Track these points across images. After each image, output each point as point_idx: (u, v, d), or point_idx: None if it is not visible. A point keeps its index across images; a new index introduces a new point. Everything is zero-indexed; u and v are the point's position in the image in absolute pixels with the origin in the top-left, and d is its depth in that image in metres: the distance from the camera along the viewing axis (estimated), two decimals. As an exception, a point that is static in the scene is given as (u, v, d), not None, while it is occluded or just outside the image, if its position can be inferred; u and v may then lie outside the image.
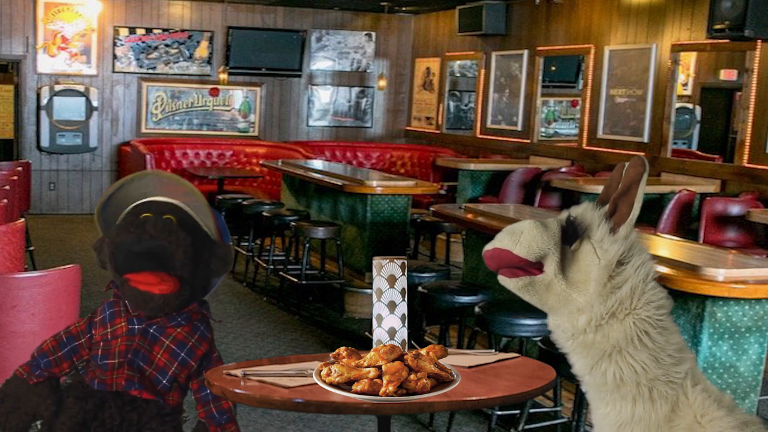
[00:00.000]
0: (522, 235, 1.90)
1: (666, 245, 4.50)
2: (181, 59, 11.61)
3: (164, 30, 11.50)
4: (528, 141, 9.91)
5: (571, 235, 1.92)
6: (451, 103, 11.79)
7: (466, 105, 11.81)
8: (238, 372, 2.48)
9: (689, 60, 10.86)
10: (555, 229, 1.93)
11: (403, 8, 11.87)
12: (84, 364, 2.73)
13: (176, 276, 2.60)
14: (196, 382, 2.72)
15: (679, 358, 1.91)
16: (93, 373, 2.67)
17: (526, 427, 4.20)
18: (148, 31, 11.43)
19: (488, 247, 1.95)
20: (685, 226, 6.91)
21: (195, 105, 11.78)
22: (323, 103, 12.34)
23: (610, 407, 1.91)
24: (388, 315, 2.54)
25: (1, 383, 2.82)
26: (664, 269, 3.84)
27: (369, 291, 6.36)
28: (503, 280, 1.96)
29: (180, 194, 2.74)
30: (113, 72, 11.37)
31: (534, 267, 1.90)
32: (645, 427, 1.88)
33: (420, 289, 4.80)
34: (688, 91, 11.14)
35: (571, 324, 1.91)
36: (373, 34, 12.39)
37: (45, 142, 11.03)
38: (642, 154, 8.17)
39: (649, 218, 6.72)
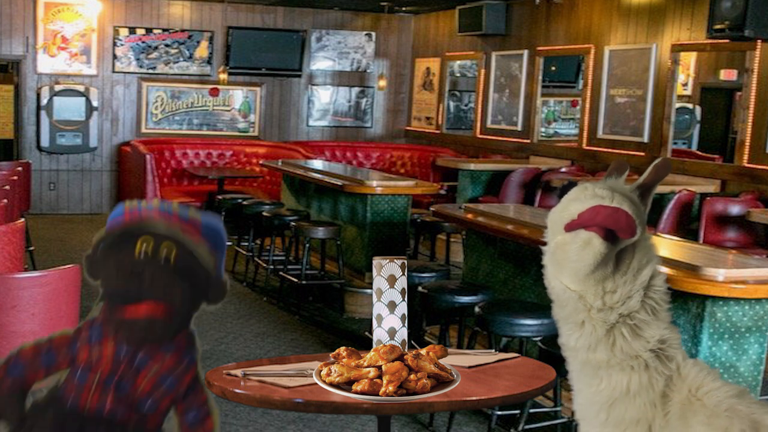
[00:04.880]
0: (632, 211, 1.87)
1: (666, 245, 4.50)
2: (181, 59, 11.61)
3: (164, 30, 11.50)
4: (528, 141, 9.91)
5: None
6: (451, 103, 11.79)
7: (466, 105, 11.81)
8: (238, 372, 2.48)
9: (689, 60, 10.86)
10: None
11: (403, 8, 11.87)
12: (64, 379, 2.66)
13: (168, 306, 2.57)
14: (182, 405, 2.65)
15: (674, 327, 1.91)
16: (71, 389, 2.60)
17: (526, 427, 4.20)
18: (148, 31, 11.43)
19: (605, 203, 1.83)
20: (685, 226, 6.90)
21: (195, 105, 11.78)
22: (323, 103, 12.35)
23: (605, 383, 1.89)
24: (388, 315, 2.55)
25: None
26: (664, 269, 3.84)
27: (369, 291, 6.34)
28: (585, 235, 1.83)
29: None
30: (113, 72, 11.37)
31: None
32: (641, 406, 1.86)
33: (420, 289, 4.80)
34: (688, 91, 11.14)
35: (602, 299, 1.88)
36: (373, 34, 12.39)
37: (45, 142, 11.03)
38: (642, 154, 8.18)
39: (650, 218, 6.69)
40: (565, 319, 1.94)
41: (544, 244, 1.94)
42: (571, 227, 1.83)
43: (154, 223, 2.65)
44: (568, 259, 1.86)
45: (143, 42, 11.42)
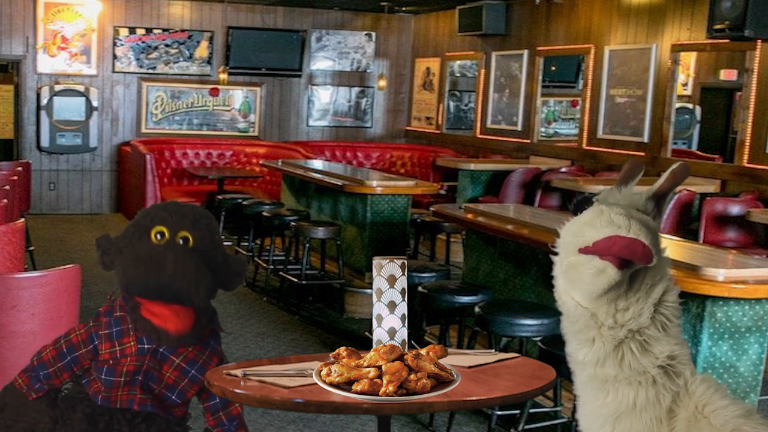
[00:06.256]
0: (648, 239, 1.81)
1: (666, 245, 4.50)
2: (181, 59, 11.61)
3: (164, 30, 11.50)
4: (528, 141, 9.91)
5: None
6: (451, 103, 11.79)
7: (466, 105, 11.81)
8: (238, 372, 2.47)
9: (689, 60, 10.86)
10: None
11: (403, 8, 11.87)
12: (85, 371, 2.67)
13: (192, 308, 2.54)
14: (206, 393, 2.67)
15: (684, 343, 1.89)
16: (96, 387, 2.60)
17: (526, 427, 4.20)
18: (148, 31, 11.43)
19: (621, 233, 1.78)
20: (685, 226, 6.90)
21: (195, 105, 11.78)
22: (323, 103, 12.34)
23: (611, 396, 1.87)
24: (388, 315, 2.54)
25: (1, 387, 2.79)
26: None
27: (369, 291, 6.36)
28: (599, 264, 1.80)
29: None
30: (113, 72, 11.37)
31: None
32: (647, 421, 1.85)
33: (420, 289, 4.80)
34: (688, 91, 11.14)
35: (613, 317, 1.85)
36: (373, 34, 12.39)
37: (45, 142, 11.03)
38: (642, 154, 8.17)
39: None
40: (574, 333, 1.92)
41: (549, 248, 1.92)
42: (586, 253, 1.79)
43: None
44: (581, 281, 1.83)
45: (143, 42, 11.42)
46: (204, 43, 11.66)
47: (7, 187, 6.14)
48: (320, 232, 6.94)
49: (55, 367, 2.62)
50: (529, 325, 4.17)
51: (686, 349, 1.89)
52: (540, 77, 9.80)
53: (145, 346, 2.59)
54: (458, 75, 11.90)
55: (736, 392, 4.03)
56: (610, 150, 8.67)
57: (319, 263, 7.59)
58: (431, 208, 6.25)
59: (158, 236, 2.54)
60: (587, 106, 9.01)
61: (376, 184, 7.05)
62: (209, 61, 11.71)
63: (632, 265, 1.79)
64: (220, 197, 8.84)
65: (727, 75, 10.86)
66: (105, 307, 2.66)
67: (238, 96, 11.94)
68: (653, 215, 1.91)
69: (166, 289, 2.47)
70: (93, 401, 2.60)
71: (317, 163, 8.96)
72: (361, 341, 6.10)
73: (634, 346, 1.84)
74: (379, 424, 2.71)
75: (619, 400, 1.86)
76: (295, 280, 7.00)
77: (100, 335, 2.60)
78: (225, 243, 8.98)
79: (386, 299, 2.54)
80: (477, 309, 4.34)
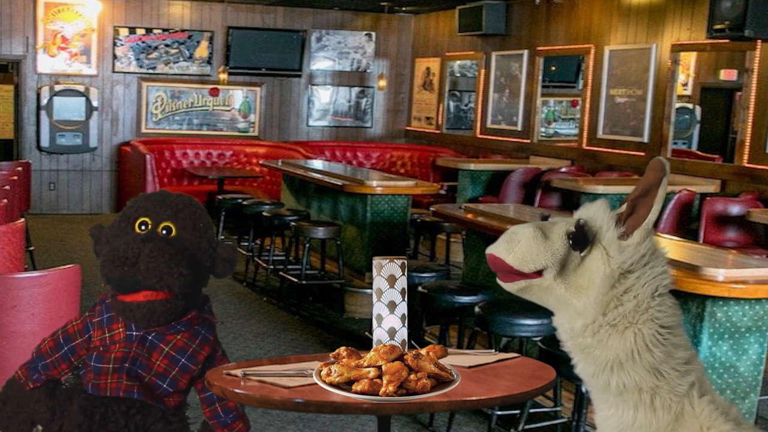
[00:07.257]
0: (518, 245, 1.85)
1: (666, 245, 4.50)
2: (181, 59, 11.61)
3: (164, 30, 11.50)
4: (528, 141, 9.91)
5: (582, 241, 1.86)
6: (451, 103, 11.79)
7: (466, 105, 11.81)
8: (238, 372, 2.48)
9: (689, 60, 10.86)
10: (558, 238, 1.85)
11: (403, 8, 11.87)
12: (83, 362, 2.70)
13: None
14: (200, 382, 2.68)
15: (683, 370, 1.85)
16: (89, 375, 2.64)
17: (526, 427, 4.20)
18: (148, 31, 11.43)
19: (488, 249, 1.92)
20: (685, 226, 6.90)
21: (195, 105, 11.78)
22: (323, 103, 12.34)
23: (613, 410, 1.89)
24: (388, 315, 2.54)
25: (2, 384, 2.81)
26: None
27: (369, 291, 6.36)
28: (499, 282, 1.95)
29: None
30: (113, 72, 11.37)
31: (531, 272, 1.88)
32: None
33: (420, 289, 4.80)
34: (688, 91, 11.14)
35: (570, 326, 1.90)
36: (373, 34, 12.39)
37: (45, 142, 11.03)
38: (642, 154, 8.17)
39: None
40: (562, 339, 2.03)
41: None
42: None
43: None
44: None
45: (143, 42, 11.42)
46: (204, 43, 11.66)
47: (7, 187, 6.14)
48: (320, 232, 6.94)
49: (53, 357, 2.68)
50: (529, 325, 4.17)
51: (687, 377, 1.87)
52: (540, 77, 9.80)
53: (134, 333, 2.62)
54: (458, 75, 11.90)
55: (736, 392, 4.03)
56: (610, 150, 8.67)
57: (319, 263, 7.59)
58: (431, 208, 6.25)
59: (142, 227, 2.61)
60: (587, 106, 9.01)
61: (376, 184, 7.05)
62: (209, 61, 11.70)
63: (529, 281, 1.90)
64: (220, 197, 8.84)
65: (727, 75, 10.86)
66: (101, 296, 2.72)
67: (238, 96, 11.94)
68: (615, 227, 1.89)
69: (139, 284, 2.53)
70: (87, 394, 2.62)
71: (317, 163, 8.96)
72: (361, 341, 6.10)
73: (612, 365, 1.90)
74: (379, 424, 2.72)
75: (620, 414, 1.89)
76: (295, 280, 7.00)
77: (93, 323, 2.66)
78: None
79: (386, 299, 2.54)
80: (477, 309, 4.34)
